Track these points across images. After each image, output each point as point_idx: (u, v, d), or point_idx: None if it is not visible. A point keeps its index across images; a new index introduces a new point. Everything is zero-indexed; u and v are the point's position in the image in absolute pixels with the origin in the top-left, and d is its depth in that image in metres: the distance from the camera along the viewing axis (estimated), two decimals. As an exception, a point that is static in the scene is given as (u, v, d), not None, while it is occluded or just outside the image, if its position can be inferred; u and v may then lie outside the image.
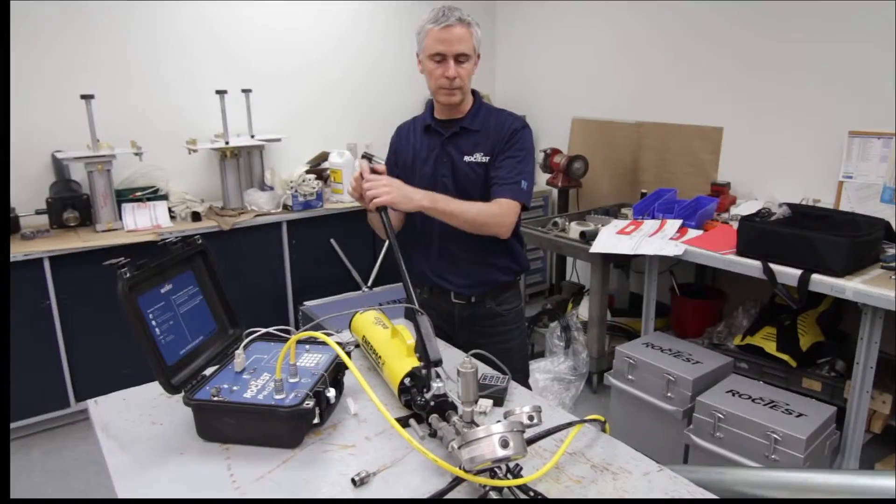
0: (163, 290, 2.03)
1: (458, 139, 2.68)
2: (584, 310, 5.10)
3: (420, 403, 1.81)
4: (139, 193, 4.88)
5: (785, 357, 3.98)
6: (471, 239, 2.63)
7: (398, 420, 1.73)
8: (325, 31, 5.77)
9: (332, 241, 5.22)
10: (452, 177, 2.68)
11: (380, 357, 2.07)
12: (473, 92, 2.71)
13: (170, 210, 4.88)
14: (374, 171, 2.53)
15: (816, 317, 4.12)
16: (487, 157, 2.64)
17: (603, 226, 4.61)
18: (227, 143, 5.04)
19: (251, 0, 5.32)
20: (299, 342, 2.06)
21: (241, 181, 5.20)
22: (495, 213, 2.55)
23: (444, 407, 1.74)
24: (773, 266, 3.53)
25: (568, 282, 5.92)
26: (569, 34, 5.91)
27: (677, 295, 5.03)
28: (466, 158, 2.66)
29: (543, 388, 4.68)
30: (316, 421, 1.86)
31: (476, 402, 1.65)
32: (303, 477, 1.71)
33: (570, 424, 1.80)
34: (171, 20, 5.09)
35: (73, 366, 4.43)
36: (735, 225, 3.95)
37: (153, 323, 1.93)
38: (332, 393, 1.93)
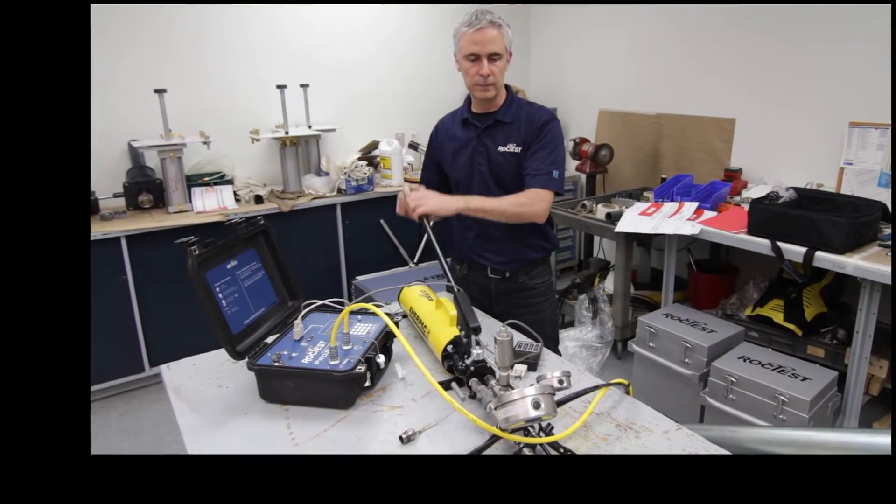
0: (228, 266, 2.05)
1: (492, 131, 2.70)
2: (609, 284, 5.14)
3: (461, 368, 1.83)
4: (207, 178, 4.93)
5: (791, 326, 4.02)
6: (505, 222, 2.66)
7: (441, 383, 1.76)
8: (375, 32, 5.79)
9: (382, 221, 5.24)
10: (488, 165, 2.71)
11: (425, 326, 2.10)
12: (506, 87, 2.72)
13: (235, 193, 4.92)
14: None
15: (820, 290, 4.16)
16: (519, 148, 2.65)
17: (626, 208, 4.66)
18: (286, 132, 5.08)
19: (309, 4, 5.34)
20: (352, 313, 2.06)
21: (299, 167, 5.24)
22: (525, 204, 2.56)
23: (482, 371, 1.76)
24: (780, 244, 3.60)
25: (595, 258, 5.94)
26: (596, 34, 5.93)
27: (694, 270, 5.07)
28: (500, 148, 2.68)
29: (572, 355, 4.71)
30: (367, 384, 1.89)
31: (511, 367, 1.66)
32: (355, 435, 1.73)
33: (596, 387, 1.82)
34: (238, 22, 5.13)
35: (148, 334, 4.50)
36: (746, 207, 4.02)
37: (220, 296, 1.96)
38: (381, 359, 1.97)
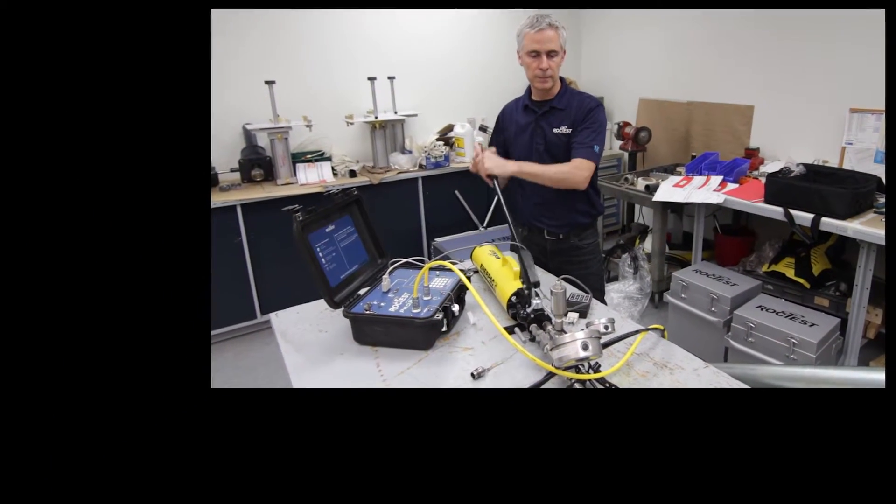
0: (327, 230, 2.10)
1: (548, 115, 2.73)
2: (647, 244, 5.15)
3: (523, 316, 1.84)
4: (309, 156, 5.00)
5: (801, 280, 4.05)
6: (558, 191, 2.69)
7: (506, 328, 1.79)
8: (450, 32, 5.76)
9: (456, 192, 5.24)
10: (544, 144, 2.74)
11: (493, 280, 2.11)
12: (561, 79, 2.74)
13: (332, 169, 4.98)
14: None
15: (825, 250, 4.17)
16: (570, 130, 2.69)
17: (662, 181, 4.64)
18: (376, 117, 5.11)
19: (396, 9, 5.35)
20: (431, 269, 2.08)
21: (386, 146, 5.27)
22: (569, 171, 2.61)
23: (540, 319, 1.77)
24: (792, 211, 3.63)
25: (635, 223, 5.91)
26: (636, 34, 5.88)
27: (719, 233, 5.08)
28: (555, 130, 2.71)
29: (616, 305, 4.71)
30: (444, 329, 1.92)
31: (565, 315, 1.67)
32: (434, 372, 1.77)
33: (637, 332, 1.83)
34: (335, 23, 5.17)
35: (259, 287, 4.61)
36: (763, 180, 4.05)
37: (320, 254, 2.00)
38: (456, 308, 2.00)
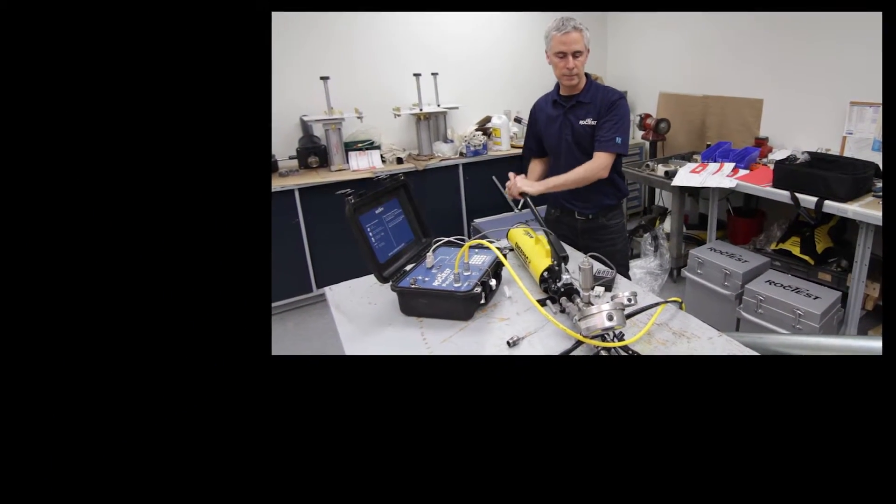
0: (376, 212, 2.12)
1: (575, 109, 2.73)
2: (667, 225, 5.12)
3: (554, 290, 1.86)
4: (360, 144, 5.02)
5: (806, 257, 4.03)
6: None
7: (539, 301, 1.81)
8: (488, 32, 5.71)
9: (493, 177, 5.18)
10: (572, 135, 2.75)
11: (526, 257, 2.12)
12: (586, 75, 2.74)
13: (381, 156, 4.99)
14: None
15: (827, 230, 4.12)
16: (595, 121, 2.69)
17: (680, 167, 4.61)
18: (421, 110, 5.10)
19: (438, 11, 5.34)
20: (471, 247, 2.11)
21: (430, 136, 5.26)
22: (590, 169, 2.65)
23: (570, 292, 1.79)
24: (797, 195, 3.63)
25: (656, 206, 5.88)
26: (657, 33, 5.83)
27: (731, 215, 5.02)
28: (581, 122, 2.72)
29: (639, 279, 4.73)
30: (482, 301, 1.93)
31: (592, 288, 1.68)
32: (473, 340, 1.78)
33: (657, 304, 1.83)
34: (384, 24, 5.17)
35: (315, 263, 4.65)
36: (771, 167, 4.04)
37: (370, 234, 2.02)
38: (493, 282, 2.01)
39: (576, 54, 2.59)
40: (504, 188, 2.75)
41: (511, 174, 2.69)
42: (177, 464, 1.05)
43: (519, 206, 2.71)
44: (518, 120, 5.72)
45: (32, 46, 1.06)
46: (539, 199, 2.55)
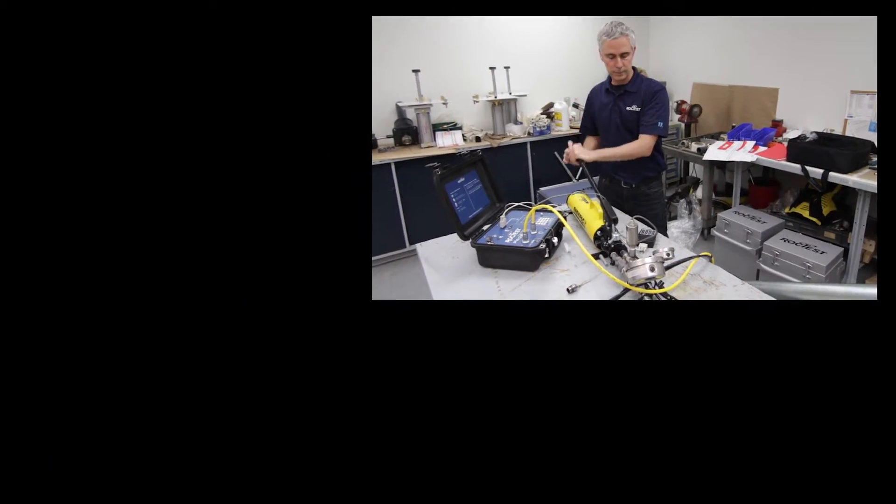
0: (459, 181, 2.13)
1: (623, 97, 2.70)
2: (699, 192, 5.04)
3: (605, 246, 1.85)
4: (445, 126, 5.04)
5: (814, 219, 3.98)
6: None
7: (593, 255, 1.83)
8: (551, 32, 5.61)
9: (556, 153, 5.19)
10: (620, 119, 2.72)
11: (583, 219, 2.11)
12: (633, 68, 2.70)
13: (462, 136, 5.00)
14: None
15: (832, 196, 4.04)
16: (639, 108, 2.66)
17: (710, 145, 4.55)
18: (495, 97, 5.08)
19: (512, 16, 5.27)
20: (537, 210, 2.13)
21: (503, 119, 5.25)
22: (636, 148, 2.65)
23: (618, 248, 1.78)
24: (807, 167, 3.60)
25: (690, 176, 5.76)
26: (691, 34, 5.69)
27: (752, 184, 4.90)
28: (628, 108, 2.68)
29: (675, 237, 4.67)
30: (546, 256, 1.95)
31: (637, 245, 1.70)
32: (539, 288, 1.80)
33: (690, 258, 1.82)
34: (465, 26, 5.16)
35: (407, 224, 4.73)
36: (785, 144, 4.01)
37: (453, 199, 2.04)
38: (555, 240, 2.02)
39: (623, 55, 2.57)
40: (563, 157, 2.76)
41: (570, 142, 2.68)
42: (297, 389, 1.11)
43: (577, 175, 2.71)
44: (576, 105, 5.62)
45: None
46: (592, 171, 2.54)
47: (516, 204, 2.26)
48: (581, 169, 2.60)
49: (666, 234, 2.88)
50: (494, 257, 1.97)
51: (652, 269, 1.56)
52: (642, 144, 2.66)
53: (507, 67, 5.23)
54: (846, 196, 4.08)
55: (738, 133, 4.54)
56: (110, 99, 1.10)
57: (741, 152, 4.19)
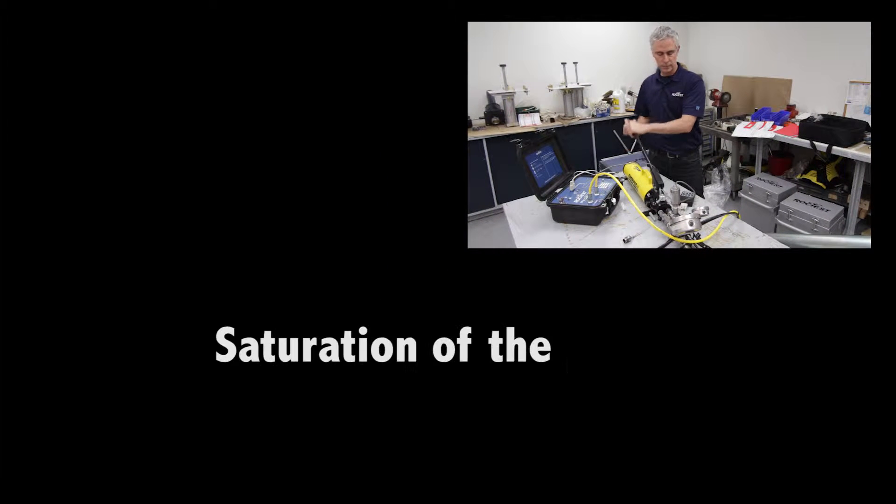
0: (537, 154, 2.10)
1: (670, 86, 2.62)
2: (729, 162, 4.83)
3: (654, 205, 1.83)
4: (526, 109, 4.93)
5: (820, 184, 3.75)
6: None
7: (644, 213, 1.82)
8: (611, 33, 5.36)
9: (614, 131, 5.00)
10: (667, 103, 2.65)
11: (636, 183, 2.08)
12: (678, 63, 2.61)
13: (540, 117, 4.91)
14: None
15: (835, 165, 3.76)
16: (682, 95, 2.58)
17: (737, 125, 4.30)
18: (566, 86, 4.96)
19: (580, 21, 5.07)
20: (599, 177, 2.10)
21: (572, 104, 5.09)
22: (679, 125, 2.58)
23: (664, 206, 1.74)
24: (815, 143, 3.40)
25: (721, 149, 5.43)
26: (723, 37, 5.35)
27: (771, 156, 4.56)
28: (673, 95, 2.61)
29: (710, 199, 4.44)
30: (606, 213, 1.92)
31: (679, 204, 1.66)
32: (601, 238, 1.79)
33: (722, 214, 1.75)
34: (542, 29, 5.01)
35: (496, 187, 4.70)
36: (797, 124, 3.79)
37: (532, 168, 2.02)
38: (614, 200, 1.98)
39: (669, 52, 2.52)
40: (622, 132, 2.71)
41: (626, 120, 2.67)
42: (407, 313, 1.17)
43: (631, 148, 2.65)
44: (630, 93, 5.34)
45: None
46: (643, 144, 2.53)
47: (583, 172, 2.23)
48: (635, 142, 2.56)
49: (702, 196, 2.78)
50: (565, 214, 1.96)
51: (691, 224, 1.54)
52: (684, 122, 2.58)
53: (575, 62, 5.04)
54: (846, 165, 3.90)
55: (759, 115, 4.37)
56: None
57: (762, 130, 4.06)
